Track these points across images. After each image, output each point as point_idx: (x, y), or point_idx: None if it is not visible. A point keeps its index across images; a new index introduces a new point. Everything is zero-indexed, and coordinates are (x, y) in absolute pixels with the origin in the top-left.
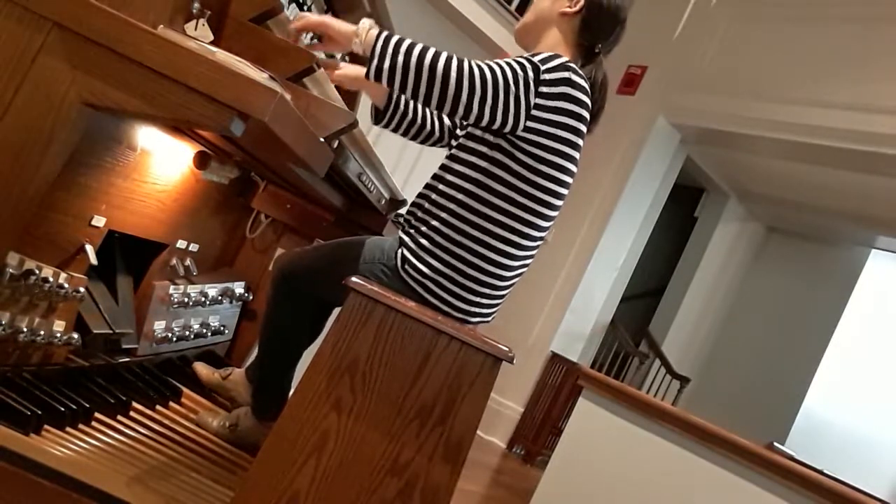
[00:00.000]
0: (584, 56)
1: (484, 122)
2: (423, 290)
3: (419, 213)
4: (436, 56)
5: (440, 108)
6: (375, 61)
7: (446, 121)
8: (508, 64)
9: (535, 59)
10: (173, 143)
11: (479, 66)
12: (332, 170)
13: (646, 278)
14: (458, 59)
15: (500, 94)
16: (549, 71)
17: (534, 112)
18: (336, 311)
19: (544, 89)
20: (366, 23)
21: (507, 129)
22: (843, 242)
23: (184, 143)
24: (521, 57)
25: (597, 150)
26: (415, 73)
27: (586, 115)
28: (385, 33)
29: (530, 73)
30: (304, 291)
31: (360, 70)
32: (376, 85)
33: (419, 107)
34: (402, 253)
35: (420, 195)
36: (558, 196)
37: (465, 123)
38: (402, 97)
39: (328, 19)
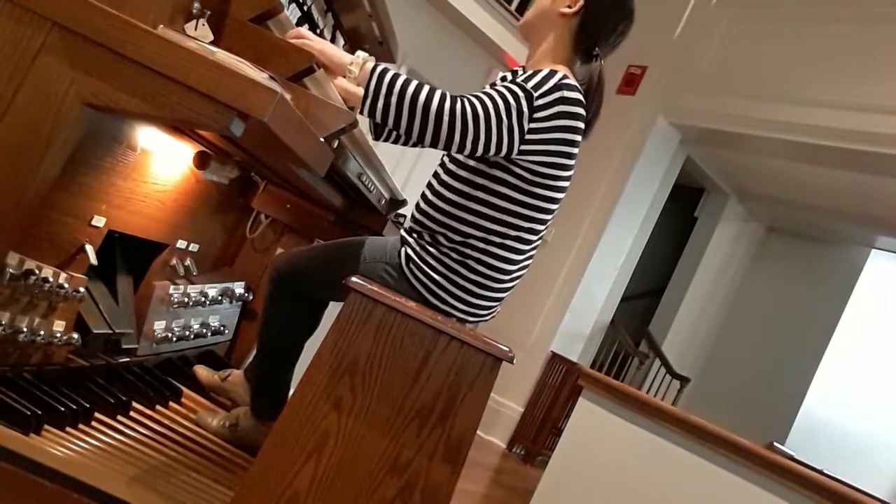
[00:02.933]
0: (583, 57)
1: (478, 154)
2: (426, 291)
3: (423, 219)
4: (429, 95)
5: (434, 146)
6: (369, 100)
7: None
8: (501, 95)
9: (528, 84)
10: (173, 143)
11: (470, 104)
12: (332, 170)
13: (646, 278)
14: (451, 97)
15: (493, 129)
16: (542, 96)
17: (528, 136)
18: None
19: (539, 114)
20: (360, 56)
21: (502, 155)
22: (843, 242)
23: (184, 143)
24: (513, 84)
25: (597, 150)
26: (408, 114)
27: (581, 126)
28: (379, 69)
29: (523, 103)
30: (302, 291)
31: (355, 87)
32: None
33: None
34: (407, 251)
35: (421, 208)
36: (555, 201)
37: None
38: None
39: (325, 46)
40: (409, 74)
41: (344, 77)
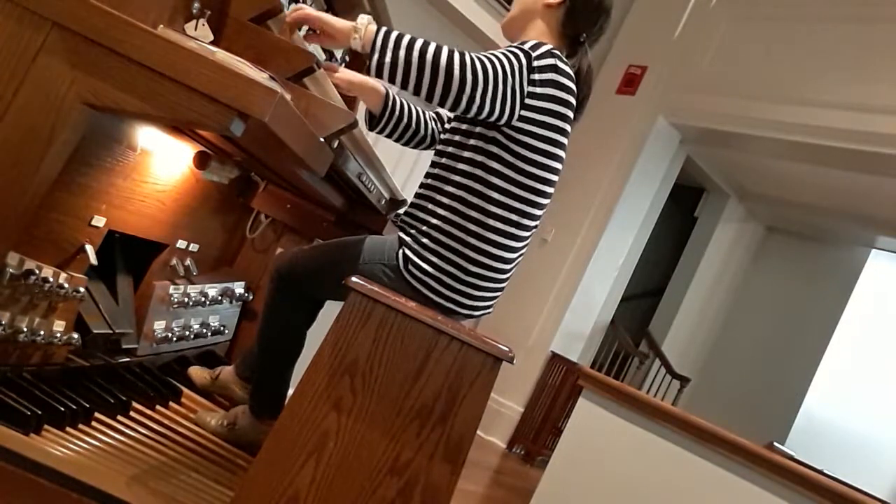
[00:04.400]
0: (569, 46)
1: (483, 115)
2: (426, 289)
3: (419, 214)
4: (437, 50)
5: (442, 102)
6: (376, 56)
7: (432, 124)
8: (504, 55)
9: (525, 46)
10: (173, 143)
11: (479, 59)
12: (332, 170)
13: (646, 278)
14: (458, 52)
15: (500, 86)
16: (538, 58)
17: (526, 101)
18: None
19: (535, 76)
20: (364, 18)
21: (504, 120)
22: (843, 242)
23: (184, 143)
24: (511, 46)
25: (597, 150)
26: (417, 68)
27: (573, 101)
28: (384, 28)
29: (523, 62)
30: (302, 291)
31: (357, 75)
32: (373, 92)
33: (413, 112)
34: (405, 252)
35: (419, 196)
36: (550, 183)
37: (466, 116)
38: (398, 104)
39: (326, 15)
40: None
41: (349, 42)
